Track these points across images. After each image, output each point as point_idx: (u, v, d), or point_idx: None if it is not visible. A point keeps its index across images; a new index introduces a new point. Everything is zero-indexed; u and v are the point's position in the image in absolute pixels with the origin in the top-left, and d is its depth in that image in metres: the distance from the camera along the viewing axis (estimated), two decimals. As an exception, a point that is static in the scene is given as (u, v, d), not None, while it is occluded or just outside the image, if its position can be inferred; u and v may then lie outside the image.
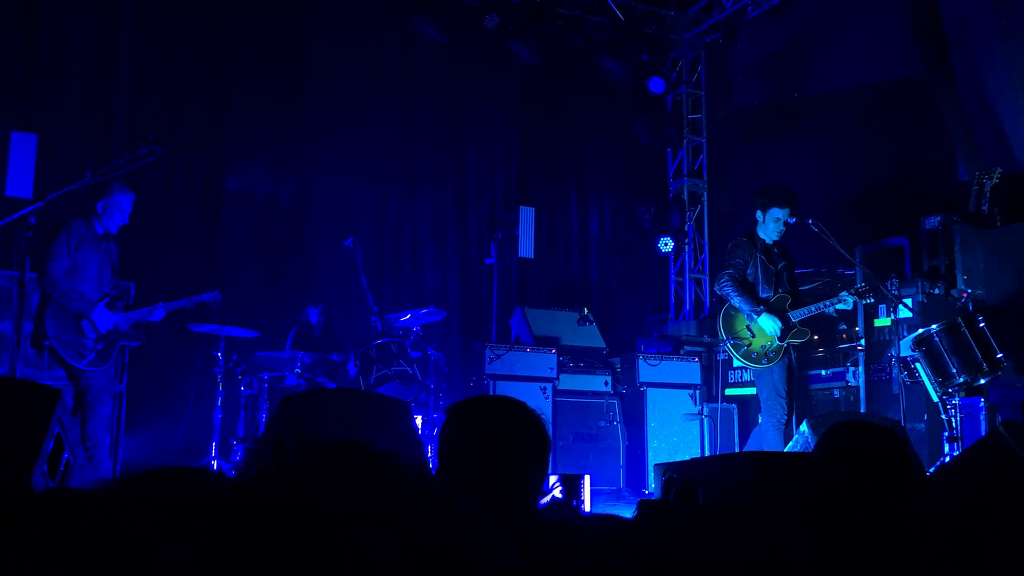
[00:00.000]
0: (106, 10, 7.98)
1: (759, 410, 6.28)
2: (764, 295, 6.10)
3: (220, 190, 8.43)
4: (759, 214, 6.18)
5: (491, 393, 7.33)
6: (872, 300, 6.17)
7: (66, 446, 3.55)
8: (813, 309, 6.07)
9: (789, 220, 6.12)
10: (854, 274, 7.97)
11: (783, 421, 5.95)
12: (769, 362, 6.00)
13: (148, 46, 8.11)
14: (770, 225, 6.14)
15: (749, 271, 6.12)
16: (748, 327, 6.06)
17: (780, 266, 6.22)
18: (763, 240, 6.19)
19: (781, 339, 5.98)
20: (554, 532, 1.88)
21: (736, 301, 6.05)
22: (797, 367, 6.25)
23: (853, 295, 6.03)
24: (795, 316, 6.04)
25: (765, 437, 6.00)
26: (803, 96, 9.88)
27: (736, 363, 6.28)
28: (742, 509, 3.71)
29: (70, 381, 5.61)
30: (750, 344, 6.04)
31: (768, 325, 5.95)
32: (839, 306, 6.11)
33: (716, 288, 6.25)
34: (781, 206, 6.10)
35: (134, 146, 5.50)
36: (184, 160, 8.20)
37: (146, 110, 8.08)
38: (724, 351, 6.29)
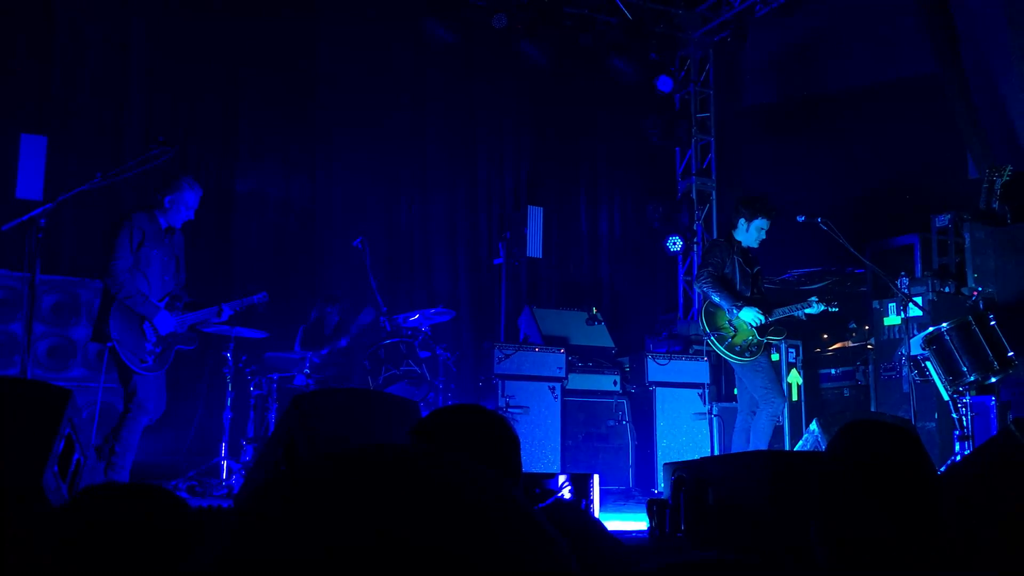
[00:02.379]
0: (119, 13, 8.01)
1: (740, 409, 6.41)
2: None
3: (231, 192, 8.45)
4: (742, 221, 6.36)
5: (500, 394, 7.34)
6: (836, 309, 6.34)
7: (76, 447, 3.56)
8: (786, 311, 6.27)
9: (800, 218, 6.20)
10: (864, 273, 7.96)
11: (780, 411, 6.13)
12: (751, 356, 6.16)
13: (160, 48, 8.14)
14: (753, 233, 6.33)
15: (727, 271, 6.30)
16: (730, 322, 6.21)
17: (755, 270, 6.41)
18: (739, 243, 6.37)
19: (761, 334, 6.14)
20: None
21: (716, 297, 6.20)
22: (807, 364, 6.35)
23: (821, 302, 6.22)
24: (771, 316, 6.23)
25: (756, 426, 6.10)
26: (812, 94, 9.85)
27: (722, 356, 6.36)
28: (755, 508, 3.71)
29: (120, 383, 5.59)
30: (733, 337, 6.18)
31: (750, 316, 6.12)
32: (807, 310, 6.27)
33: (696, 285, 6.45)
34: (767, 217, 6.31)
35: (145, 148, 5.49)
36: (196, 162, 8.22)
37: (157, 112, 8.11)
38: (706, 344, 6.43)
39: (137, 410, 5.46)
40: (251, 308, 6.21)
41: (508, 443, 2.03)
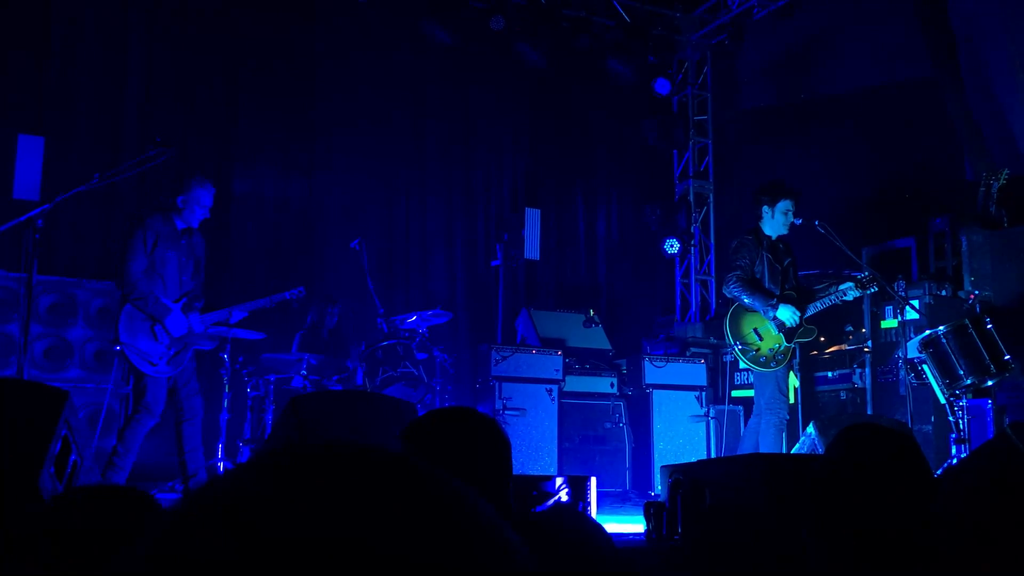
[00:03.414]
0: (117, 13, 8.00)
1: (754, 412, 6.28)
2: None
3: (229, 192, 8.45)
4: (766, 209, 6.13)
5: (497, 395, 7.34)
6: (876, 290, 6.09)
7: (73, 448, 3.56)
8: (819, 305, 6.05)
9: (795, 221, 6.11)
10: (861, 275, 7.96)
11: (785, 420, 5.97)
12: (778, 365, 5.97)
13: (158, 49, 8.14)
14: (779, 219, 6.09)
15: (756, 269, 6.08)
16: (756, 330, 6.02)
17: (786, 263, 6.17)
18: (768, 236, 6.15)
19: (789, 340, 5.95)
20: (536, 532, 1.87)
21: (748, 301, 5.99)
22: (805, 366, 6.25)
23: (859, 287, 5.99)
24: (804, 312, 6.02)
25: (764, 436, 5.99)
26: (810, 97, 9.86)
27: (743, 365, 6.26)
28: (752, 510, 3.71)
29: (132, 386, 5.63)
30: (759, 348, 6.01)
31: (786, 315, 5.91)
32: (845, 299, 6.06)
33: (724, 290, 6.17)
34: (790, 197, 6.07)
35: (143, 148, 5.49)
36: (193, 163, 8.19)
37: (155, 113, 8.10)
38: (731, 353, 6.26)
39: (144, 413, 5.47)
40: (284, 304, 6.24)
41: (499, 446, 2.03)
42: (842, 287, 6.03)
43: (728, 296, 6.16)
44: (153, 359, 5.50)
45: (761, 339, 6.01)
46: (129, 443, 5.43)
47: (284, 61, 8.68)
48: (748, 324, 6.06)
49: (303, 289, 6.26)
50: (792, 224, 6.10)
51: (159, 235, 5.54)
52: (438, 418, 2.14)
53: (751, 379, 7.78)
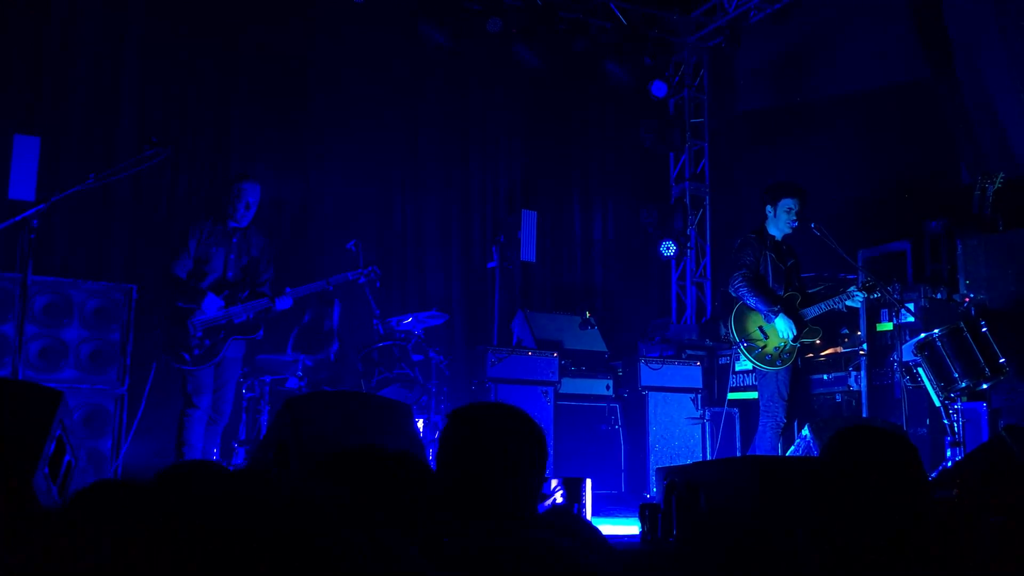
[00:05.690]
0: (113, 13, 7.99)
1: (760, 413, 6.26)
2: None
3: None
4: (769, 209, 6.15)
5: (493, 397, 7.34)
6: (879, 295, 6.06)
7: (67, 448, 3.55)
8: (823, 307, 6.05)
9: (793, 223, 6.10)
10: (856, 278, 7.97)
11: (782, 423, 5.94)
12: (783, 364, 5.96)
13: (154, 48, 8.11)
14: (782, 218, 6.10)
15: (760, 269, 6.08)
16: (761, 328, 6.01)
17: (789, 264, 6.18)
18: (773, 237, 6.16)
19: (795, 340, 5.95)
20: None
21: (752, 301, 5.99)
22: (802, 369, 6.22)
23: (862, 291, 5.97)
24: (807, 314, 6.02)
25: (761, 438, 5.99)
26: (806, 100, 9.88)
27: (739, 366, 6.26)
28: (747, 512, 3.71)
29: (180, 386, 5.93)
30: (764, 346, 6.00)
31: (783, 327, 5.93)
32: (848, 302, 6.06)
33: (730, 289, 6.16)
34: (793, 196, 6.08)
35: (139, 148, 5.52)
36: (188, 163, 8.20)
37: (151, 113, 8.08)
38: (735, 352, 6.24)
39: (190, 407, 5.65)
40: (349, 286, 6.54)
41: (543, 444, 2.08)
42: (850, 290, 6.01)
43: (732, 294, 6.15)
44: (183, 351, 5.74)
45: (767, 337, 6.00)
46: (189, 441, 5.70)
47: (280, 61, 8.67)
48: (753, 322, 6.06)
49: (376, 268, 6.50)
50: (799, 214, 6.08)
51: (205, 233, 5.93)
52: (489, 410, 2.17)
53: (747, 381, 7.81)
